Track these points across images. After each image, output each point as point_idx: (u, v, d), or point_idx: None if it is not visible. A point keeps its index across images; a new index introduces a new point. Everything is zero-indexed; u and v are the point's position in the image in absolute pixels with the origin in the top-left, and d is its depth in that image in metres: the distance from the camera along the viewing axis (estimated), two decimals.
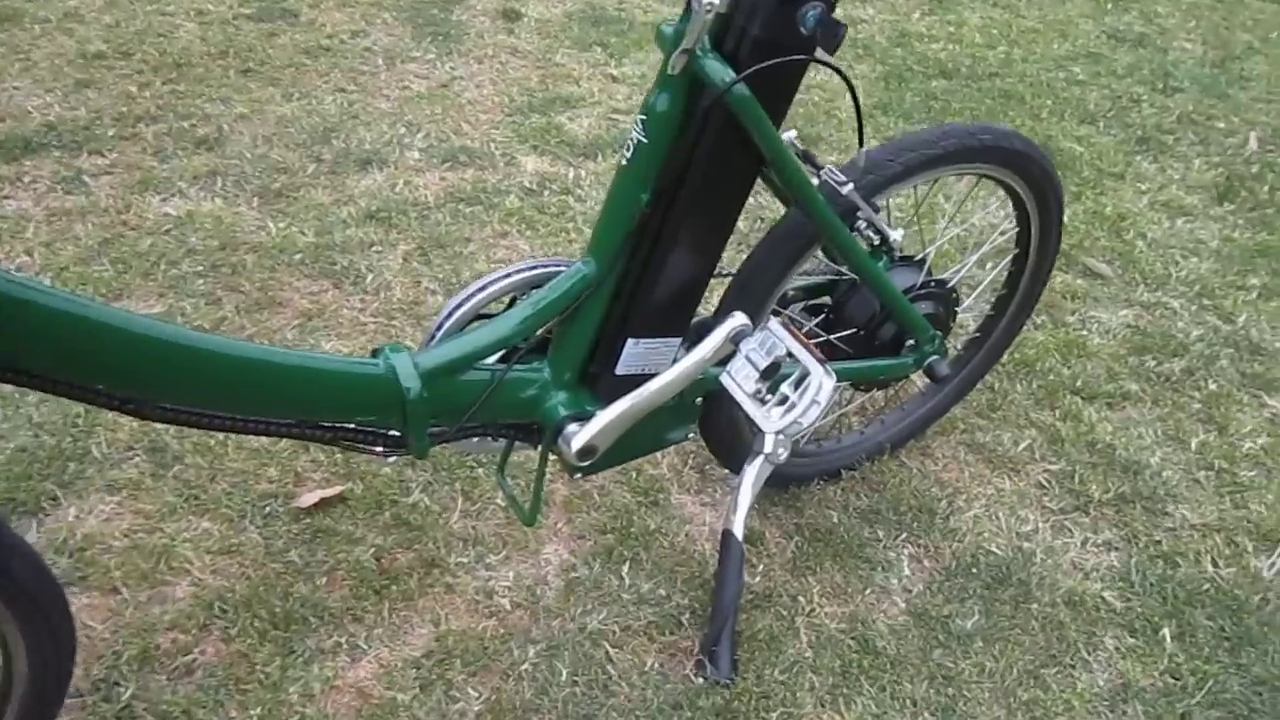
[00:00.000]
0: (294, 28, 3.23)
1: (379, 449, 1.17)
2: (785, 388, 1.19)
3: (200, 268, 2.13)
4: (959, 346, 1.78)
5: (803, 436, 1.65)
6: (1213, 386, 1.98)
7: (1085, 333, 2.10)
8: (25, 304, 0.86)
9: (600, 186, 2.45)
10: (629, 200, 1.13)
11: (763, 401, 1.18)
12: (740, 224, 2.30)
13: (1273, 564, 1.61)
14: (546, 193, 2.42)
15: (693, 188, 1.12)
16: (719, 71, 1.05)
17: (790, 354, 1.17)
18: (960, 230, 2.29)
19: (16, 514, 1.56)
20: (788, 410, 1.16)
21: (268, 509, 1.59)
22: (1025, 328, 2.06)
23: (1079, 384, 1.95)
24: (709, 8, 1.00)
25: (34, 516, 1.56)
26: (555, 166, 2.54)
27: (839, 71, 1.16)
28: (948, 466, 1.76)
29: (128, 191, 2.37)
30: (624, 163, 1.13)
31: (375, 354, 1.14)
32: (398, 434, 1.17)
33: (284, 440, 1.71)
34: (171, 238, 2.22)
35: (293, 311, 2.02)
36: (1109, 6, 3.90)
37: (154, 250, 2.17)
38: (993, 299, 1.74)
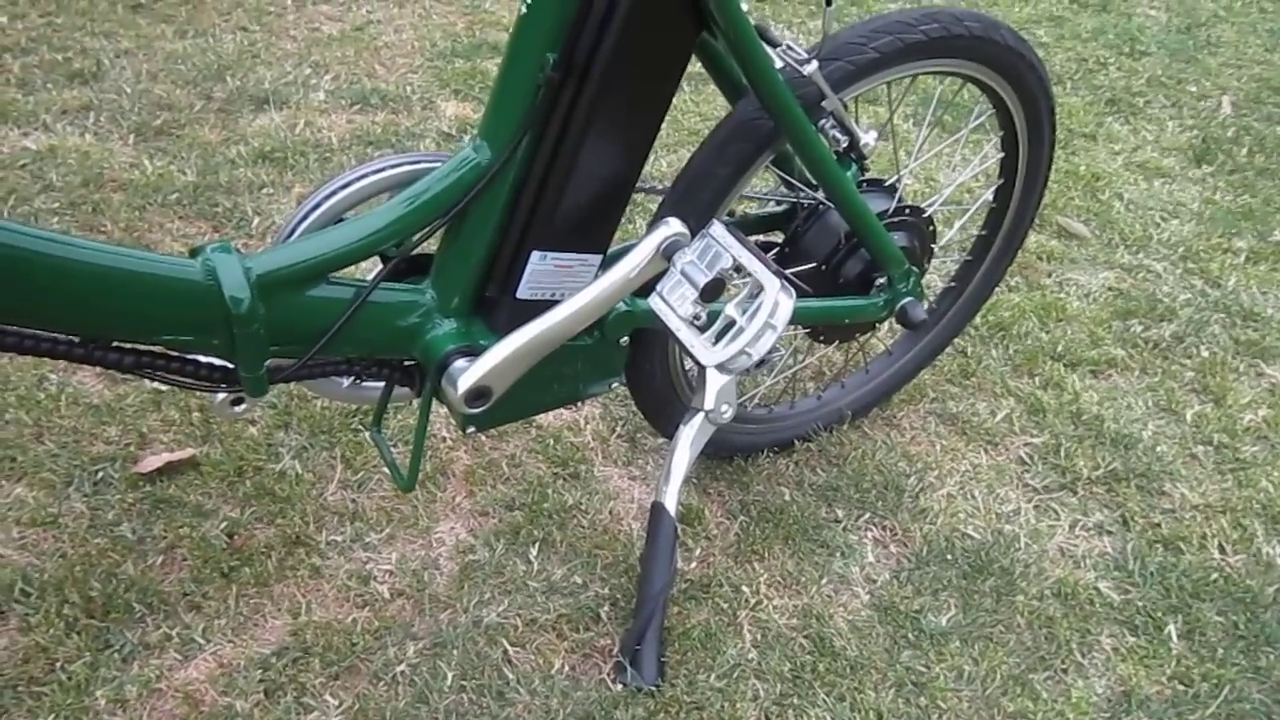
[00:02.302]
0: None
1: (200, 382, 0.90)
2: (731, 309, 0.93)
3: (56, 204, 1.84)
4: (931, 300, 1.54)
5: (745, 399, 1.41)
6: (1205, 354, 1.76)
7: (1063, 295, 1.88)
8: None
9: None
10: (530, 62, 0.87)
11: (702, 328, 0.93)
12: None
13: None
14: (466, 137, 2.15)
15: (613, 47, 0.86)
16: None
17: (738, 267, 0.91)
18: (937, 153, 2.06)
19: None
20: (734, 337, 0.91)
21: (100, 474, 1.31)
22: (998, 289, 1.84)
23: (1060, 349, 1.73)
24: None
25: None
26: (478, 112, 2.27)
27: None
28: (916, 438, 1.52)
29: None
30: (523, 10, 0.86)
31: (194, 253, 0.87)
32: (224, 364, 0.89)
33: (129, 395, 1.43)
34: (27, 172, 1.93)
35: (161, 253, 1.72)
36: None
37: (3, 185, 1.89)
38: (968, 245, 1.51)
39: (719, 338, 0.92)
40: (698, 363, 0.95)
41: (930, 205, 1.31)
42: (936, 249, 1.34)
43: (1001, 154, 1.37)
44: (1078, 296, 1.89)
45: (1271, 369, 1.75)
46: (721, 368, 0.93)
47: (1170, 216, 2.19)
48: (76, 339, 0.83)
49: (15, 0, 2.63)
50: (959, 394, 1.62)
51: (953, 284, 1.51)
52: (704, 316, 0.94)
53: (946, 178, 2.16)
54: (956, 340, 1.69)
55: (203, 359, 0.89)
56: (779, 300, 0.89)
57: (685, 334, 0.93)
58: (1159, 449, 1.55)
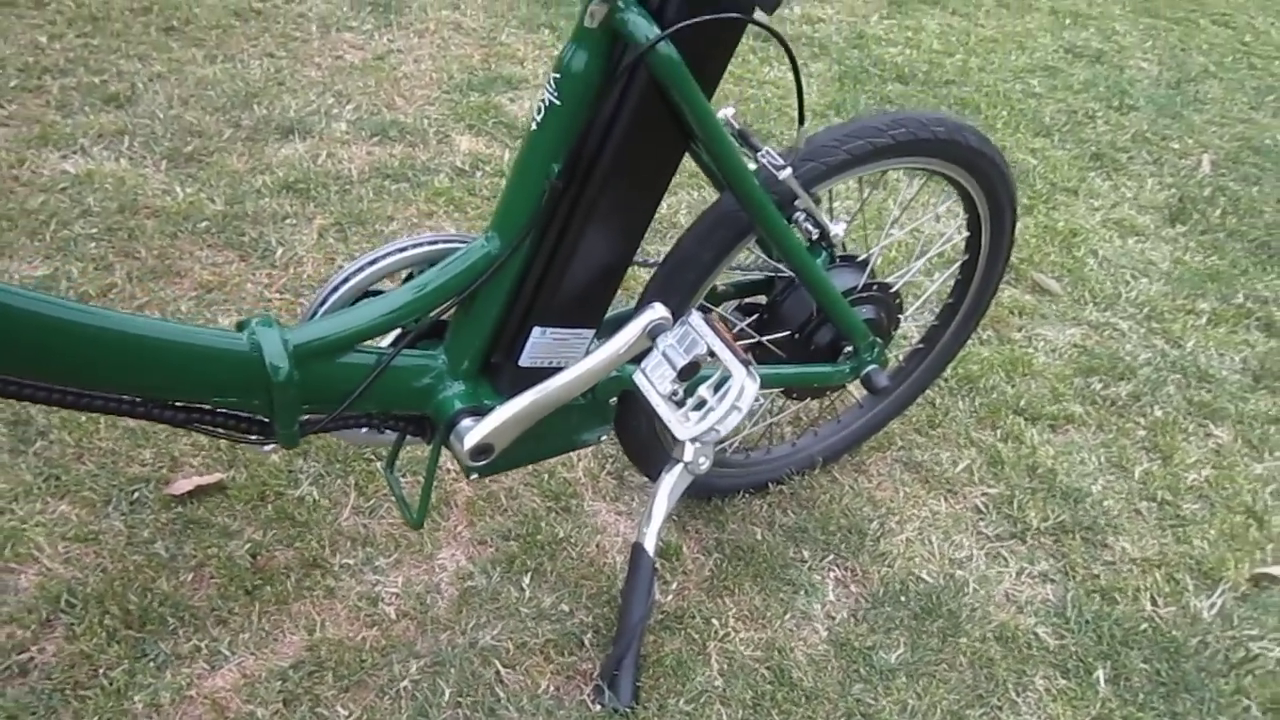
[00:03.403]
0: None
1: (240, 435, 1.03)
2: (703, 390, 1.07)
3: (94, 230, 1.97)
4: (900, 358, 1.68)
5: (725, 445, 1.54)
6: (1158, 413, 1.90)
7: (1031, 350, 2.01)
8: None
9: None
10: (538, 170, 1.01)
11: (679, 404, 1.06)
12: (682, 218, 2.19)
13: (1213, 604, 1.52)
14: (479, 174, 2.28)
15: (611, 160, 1.00)
16: (643, 28, 0.93)
17: (712, 353, 1.05)
18: (906, 233, 2.20)
19: None
20: (704, 415, 1.04)
21: (136, 494, 1.44)
22: (970, 341, 1.97)
23: (1022, 404, 1.86)
24: None
25: None
26: (491, 148, 2.40)
27: (778, 37, 1.05)
28: (882, 484, 1.66)
29: (23, 145, 2.19)
30: (534, 127, 1.00)
31: (240, 327, 1.00)
32: (264, 420, 1.03)
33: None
34: (67, 196, 2.06)
35: (191, 282, 1.86)
36: (1067, 22, 3.84)
37: (45, 209, 2.00)
38: (938, 308, 1.64)
39: (692, 412, 1.06)
40: (673, 439, 1.09)
41: (898, 281, 1.44)
42: (904, 319, 1.48)
43: (967, 233, 1.50)
44: (1045, 352, 2.02)
45: (1219, 430, 1.89)
46: (693, 441, 1.07)
47: (1140, 275, 2.32)
48: (139, 399, 0.96)
49: (54, 20, 2.76)
50: (924, 443, 1.75)
51: (921, 345, 1.64)
52: (681, 393, 1.07)
53: (913, 259, 2.29)
54: (926, 391, 1.82)
55: (244, 415, 1.02)
56: (745, 386, 1.03)
57: (664, 410, 1.06)
58: (1106, 503, 1.68)
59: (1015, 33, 3.64)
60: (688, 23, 0.92)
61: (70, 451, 1.50)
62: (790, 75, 3.04)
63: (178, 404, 0.99)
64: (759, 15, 0.97)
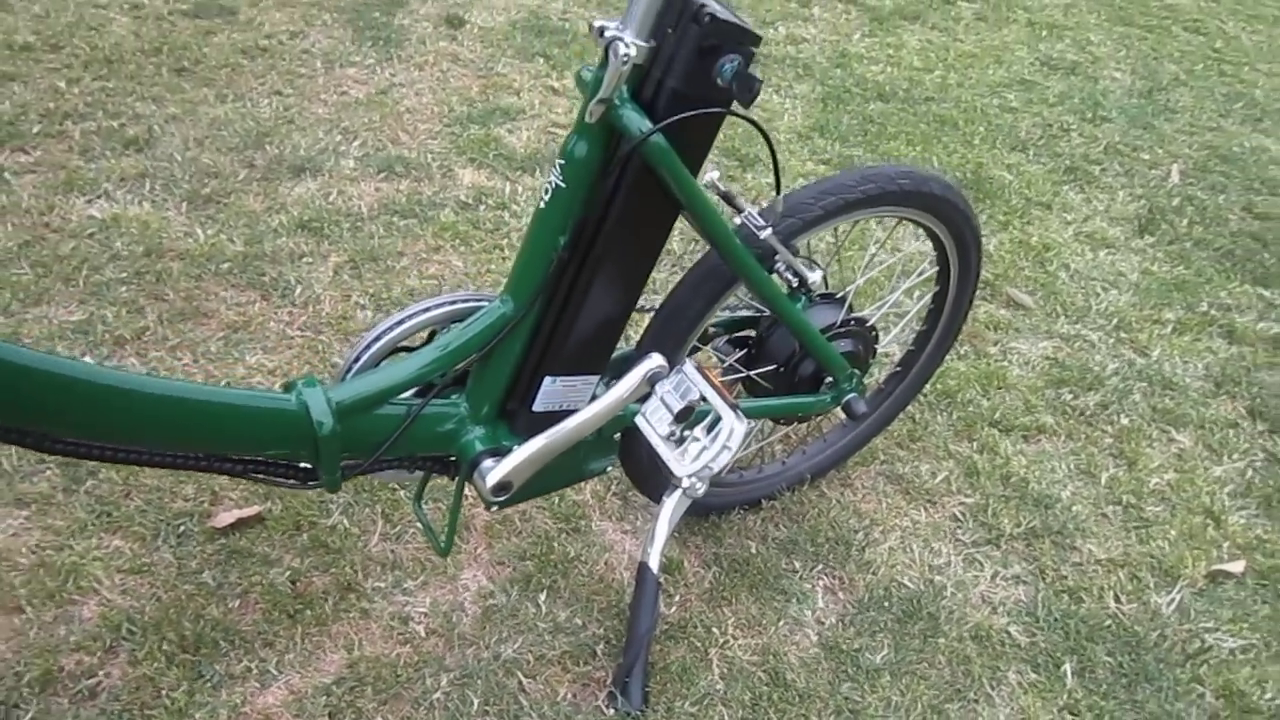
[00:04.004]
0: (231, 26, 3.18)
1: (290, 481, 1.17)
2: (698, 431, 1.20)
3: (124, 274, 2.09)
4: (881, 380, 1.81)
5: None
6: (1125, 421, 2.03)
7: (1006, 364, 2.15)
8: None
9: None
10: (547, 243, 1.14)
11: (676, 443, 1.20)
12: (675, 245, 2.32)
13: (1172, 600, 1.66)
14: (482, 207, 2.41)
15: (610, 233, 1.13)
16: (636, 122, 1.06)
17: (703, 398, 1.18)
18: (881, 270, 2.33)
19: None
20: (699, 454, 1.18)
21: (182, 528, 1.58)
22: (947, 359, 2.10)
23: (997, 416, 2.00)
24: (625, 59, 1.01)
25: None
26: (492, 180, 2.53)
27: (757, 126, 1.18)
28: (866, 497, 1.79)
29: (51, 192, 2.32)
30: (541, 205, 1.14)
31: (288, 388, 1.13)
32: (310, 468, 1.16)
33: None
34: (95, 242, 2.18)
35: (218, 323, 1.99)
36: (1044, 33, 3.98)
37: (76, 254, 2.13)
38: (914, 334, 1.78)
39: (688, 451, 1.19)
40: (671, 474, 1.22)
41: (873, 316, 1.58)
42: (880, 348, 1.61)
43: (937, 268, 1.63)
44: (1018, 365, 2.16)
45: (1181, 435, 2.02)
46: (689, 477, 1.20)
47: (1110, 287, 2.46)
48: (201, 455, 1.10)
49: (70, 64, 2.89)
50: (906, 457, 1.89)
51: (899, 368, 1.77)
52: (678, 433, 1.21)
53: (887, 294, 2.42)
54: (907, 408, 1.96)
55: (294, 464, 1.16)
56: (734, 428, 1.16)
57: (662, 449, 1.20)
58: (1074, 508, 1.82)
59: (993, 46, 3.77)
60: (676, 118, 1.06)
61: (119, 489, 1.63)
62: (774, 98, 3.17)
63: (235, 457, 1.13)
64: (737, 107, 1.10)
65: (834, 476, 1.82)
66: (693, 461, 1.18)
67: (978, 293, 2.29)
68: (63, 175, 2.38)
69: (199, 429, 1.05)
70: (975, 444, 1.93)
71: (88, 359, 1.87)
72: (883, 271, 2.29)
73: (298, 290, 2.10)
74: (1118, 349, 2.24)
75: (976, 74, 3.52)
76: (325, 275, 2.15)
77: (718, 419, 1.19)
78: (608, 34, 1.03)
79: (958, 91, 3.36)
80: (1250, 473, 1.94)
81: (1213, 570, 1.72)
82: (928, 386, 2.01)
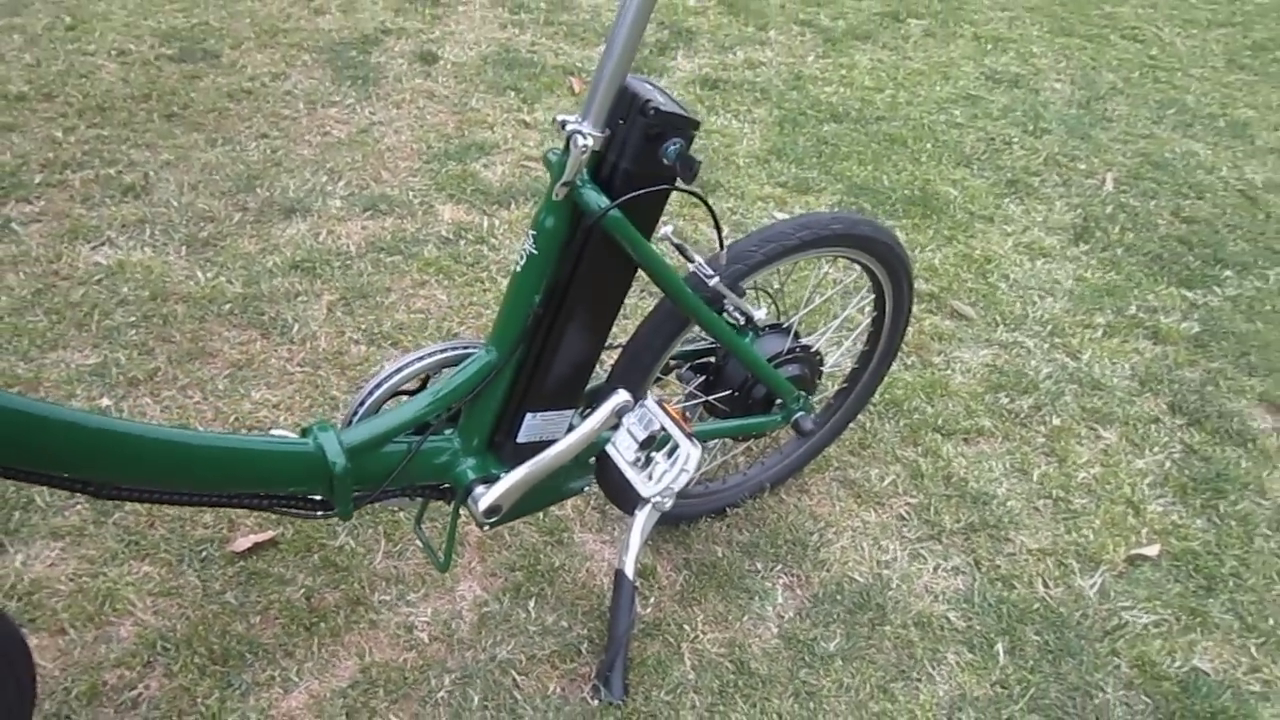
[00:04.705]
0: (215, 70, 3.35)
1: (310, 514, 1.35)
2: (659, 456, 1.39)
3: (132, 318, 2.26)
4: (831, 396, 2.00)
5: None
6: (1056, 421, 2.23)
7: (949, 372, 2.35)
8: (18, 416, 1.02)
9: (513, 235, 2.63)
10: (524, 301, 1.32)
11: (641, 468, 1.38)
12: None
13: (1094, 584, 1.86)
14: (463, 242, 2.59)
15: (578, 291, 1.32)
16: (595, 199, 1.25)
17: (663, 428, 1.37)
18: (824, 300, 2.52)
19: None
20: (661, 476, 1.37)
21: (204, 553, 1.75)
22: (895, 370, 2.30)
23: (940, 422, 2.19)
24: (584, 149, 1.20)
25: None
26: (471, 215, 2.71)
27: (700, 197, 1.37)
28: (821, 501, 1.99)
29: (58, 240, 2.48)
30: (517, 269, 1.32)
31: (305, 433, 1.31)
32: (326, 500, 1.34)
33: None
34: (103, 288, 2.34)
35: (223, 361, 2.16)
36: (989, 47, 4.19)
37: (86, 300, 2.29)
38: (858, 354, 1.97)
39: (652, 476, 1.38)
40: (639, 494, 1.41)
41: (817, 342, 1.77)
42: (825, 370, 1.81)
43: (873, 295, 1.83)
44: (960, 373, 2.36)
45: (1107, 432, 2.23)
46: (654, 497, 1.39)
47: (1046, 295, 2.66)
48: (234, 493, 1.28)
49: (64, 113, 3.05)
50: (857, 463, 2.08)
51: (845, 385, 1.97)
52: (643, 459, 1.39)
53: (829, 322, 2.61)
54: (859, 416, 2.15)
55: (311, 498, 1.34)
56: (690, 454, 1.35)
57: (629, 473, 1.38)
58: (1009, 504, 2.02)
59: (940, 63, 3.97)
60: (629, 196, 1.24)
61: (143, 520, 1.81)
62: (734, 123, 3.36)
63: (260, 494, 1.30)
64: (680, 183, 1.29)
65: (791, 484, 2.01)
66: (656, 483, 1.37)
67: (924, 305, 2.49)
68: (67, 224, 2.54)
69: (235, 473, 1.23)
70: (920, 448, 2.13)
71: (105, 401, 2.04)
72: (827, 301, 2.48)
73: (295, 328, 2.27)
74: (1052, 354, 2.44)
75: (925, 91, 3.72)
76: (320, 313, 2.32)
77: (676, 446, 1.38)
78: (569, 127, 1.22)
79: (907, 110, 3.56)
80: (1169, 464, 2.15)
81: (1131, 554, 1.93)
82: (876, 397, 2.20)
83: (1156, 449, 2.19)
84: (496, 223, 2.68)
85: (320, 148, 2.97)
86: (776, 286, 1.80)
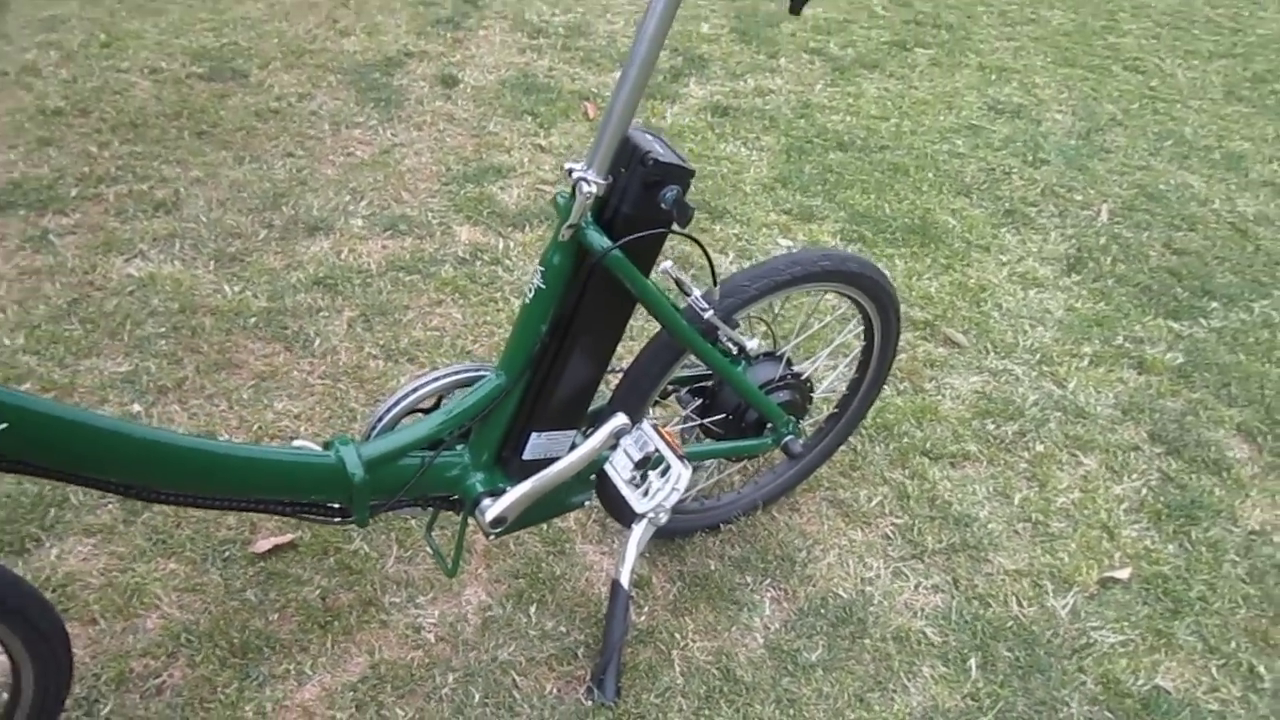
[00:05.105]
0: (244, 89, 3.48)
1: (329, 520, 1.46)
2: (653, 475, 1.50)
3: (162, 329, 2.38)
4: (822, 420, 2.11)
5: (685, 498, 1.98)
6: (1039, 447, 2.33)
7: (940, 398, 2.45)
8: (63, 424, 1.14)
9: (527, 257, 2.75)
10: (532, 331, 1.44)
11: (636, 486, 1.50)
12: None
13: (1066, 604, 1.96)
14: (478, 263, 2.71)
15: (581, 322, 1.43)
16: (598, 240, 1.36)
17: (657, 449, 1.48)
18: (817, 329, 2.63)
19: (4, 554, 1.81)
20: (654, 494, 1.48)
21: (227, 553, 1.87)
22: (888, 395, 2.41)
23: (928, 445, 2.30)
24: (588, 195, 1.32)
25: (19, 556, 1.82)
26: (487, 237, 2.83)
27: (694, 239, 1.49)
28: (811, 520, 2.09)
29: (92, 252, 2.61)
30: (527, 301, 1.43)
31: (327, 446, 1.43)
32: (344, 508, 1.46)
33: None
34: (135, 299, 2.47)
35: (248, 373, 2.28)
36: (993, 77, 4.29)
37: (119, 310, 2.42)
38: (848, 381, 2.08)
39: (646, 494, 1.49)
40: (633, 510, 1.52)
41: (807, 370, 1.88)
42: (816, 395, 1.91)
43: (862, 326, 1.94)
44: (950, 399, 2.46)
45: (1088, 459, 2.33)
46: (647, 513, 1.50)
47: (1037, 324, 2.76)
48: (259, 500, 1.39)
49: (99, 128, 3.18)
50: (846, 484, 2.19)
51: (835, 410, 2.07)
52: (638, 478, 1.50)
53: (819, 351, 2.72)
54: (850, 439, 2.26)
55: (331, 506, 1.45)
56: (681, 474, 1.47)
57: (625, 490, 1.49)
58: (990, 526, 2.12)
59: (945, 92, 4.08)
60: (629, 238, 1.36)
61: (170, 520, 1.93)
62: (742, 150, 3.47)
63: (285, 501, 1.42)
64: (676, 227, 1.40)
65: (783, 502, 2.12)
66: (649, 500, 1.48)
67: (918, 332, 2.60)
68: (101, 236, 2.67)
69: (263, 481, 1.35)
70: (908, 471, 2.23)
71: (135, 407, 2.17)
72: (820, 330, 2.59)
73: (317, 342, 2.39)
74: (1039, 382, 2.55)
75: (929, 120, 3.83)
76: (340, 328, 2.44)
77: (669, 466, 1.49)
78: (575, 174, 1.33)
79: (910, 139, 3.67)
80: (1145, 491, 2.25)
81: (1104, 577, 2.02)
82: (868, 421, 2.31)
83: (1135, 476, 2.29)
84: (511, 244, 2.80)
85: (344, 168, 3.10)
86: (773, 315, 1.92)
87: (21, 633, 1.26)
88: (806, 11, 4.74)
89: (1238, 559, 2.10)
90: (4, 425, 1.06)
